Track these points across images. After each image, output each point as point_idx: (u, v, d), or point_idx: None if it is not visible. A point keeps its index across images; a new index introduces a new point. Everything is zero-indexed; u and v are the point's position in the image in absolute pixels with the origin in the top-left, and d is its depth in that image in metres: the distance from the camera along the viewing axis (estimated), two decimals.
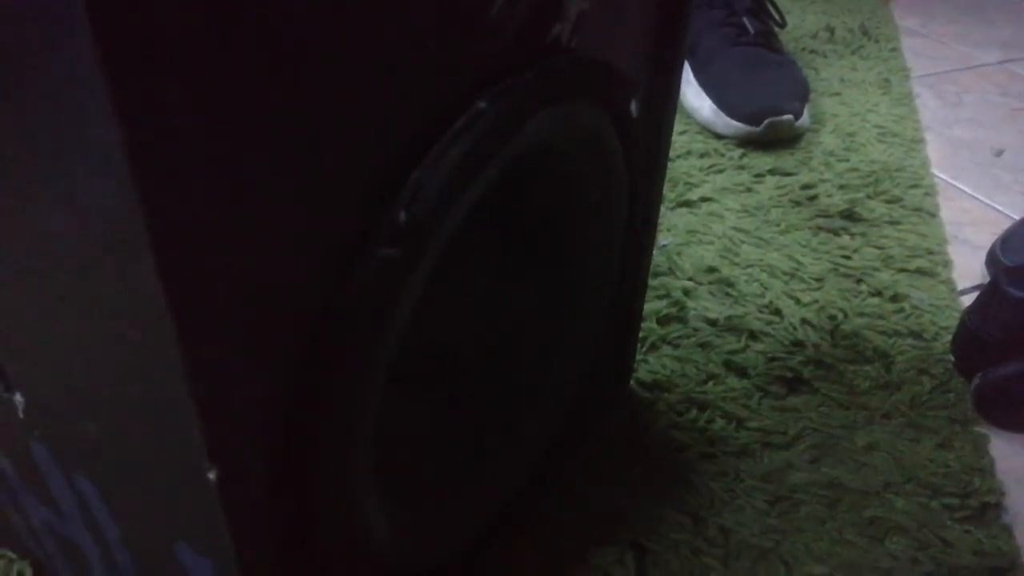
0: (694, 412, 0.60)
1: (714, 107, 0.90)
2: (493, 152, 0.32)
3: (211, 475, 0.28)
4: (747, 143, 0.90)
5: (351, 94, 0.27)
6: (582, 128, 0.40)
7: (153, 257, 0.24)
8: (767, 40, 0.97)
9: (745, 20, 0.94)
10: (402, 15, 0.28)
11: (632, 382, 0.62)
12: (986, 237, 0.82)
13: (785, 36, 1.09)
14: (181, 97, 0.22)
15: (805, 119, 0.91)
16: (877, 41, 1.18)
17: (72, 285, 0.27)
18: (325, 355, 0.30)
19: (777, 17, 1.01)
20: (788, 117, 0.87)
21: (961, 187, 0.91)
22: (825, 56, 1.13)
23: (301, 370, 0.30)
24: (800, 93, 0.92)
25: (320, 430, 0.31)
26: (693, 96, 0.94)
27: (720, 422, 0.60)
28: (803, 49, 1.14)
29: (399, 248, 0.30)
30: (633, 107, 0.45)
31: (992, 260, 0.74)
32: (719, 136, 0.92)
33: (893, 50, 1.17)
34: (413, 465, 0.42)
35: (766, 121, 0.87)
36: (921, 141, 0.96)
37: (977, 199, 0.89)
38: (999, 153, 0.98)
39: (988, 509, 0.56)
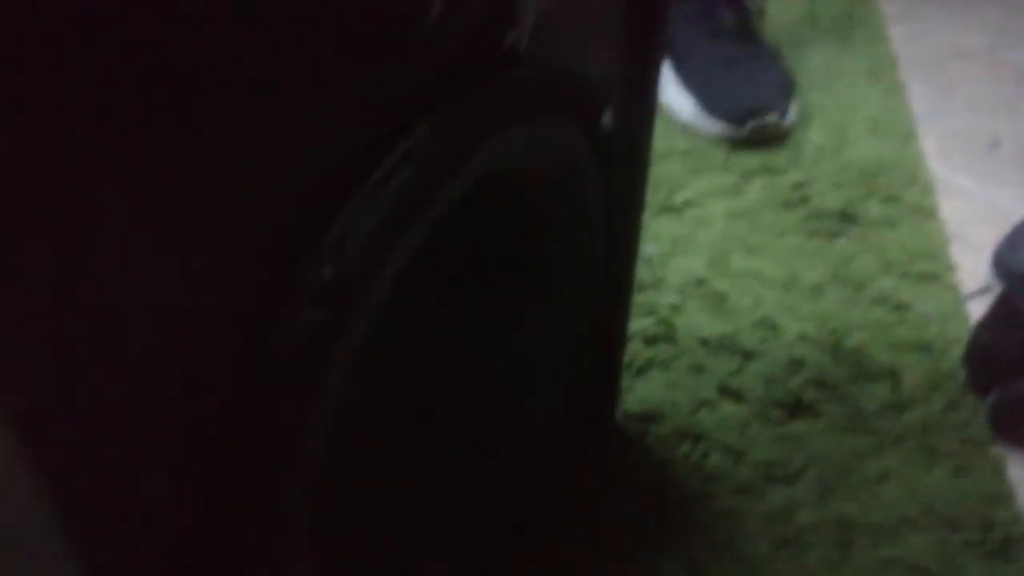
0: (688, 445, 0.54)
1: (696, 106, 0.84)
2: (436, 187, 0.26)
3: None
4: (726, 141, 0.84)
5: (252, 125, 0.21)
6: (546, 148, 0.34)
7: None
8: (746, 31, 0.91)
9: (721, 11, 0.89)
10: (315, 28, 0.22)
11: (620, 413, 0.57)
12: (989, 235, 0.76)
13: (765, 25, 1.03)
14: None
15: (791, 116, 0.85)
16: (863, 29, 1.13)
17: None
18: (245, 452, 0.24)
19: (755, 5, 0.95)
20: (774, 117, 0.82)
21: (959, 182, 0.85)
22: (810, 46, 1.07)
23: (215, 466, 0.24)
24: (785, 89, 0.86)
25: (244, 549, 0.25)
26: (674, 93, 0.88)
27: (717, 456, 0.54)
28: (785, 38, 1.09)
29: (326, 309, 0.24)
30: (606, 118, 0.39)
31: (1000, 264, 0.69)
32: (698, 135, 0.86)
33: (879, 38, 1.12)
34: (368, 539, 0.36)
35: (751, 123, 0.81)
36: (914, 134, 0.91)
37: (977, 194, 0.84)
38: (995, 144, 0.93)
39: (1012, 543, 0.51)
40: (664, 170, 0.81)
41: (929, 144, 0.91)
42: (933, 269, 0.70)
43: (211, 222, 0.21)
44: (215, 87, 0.20)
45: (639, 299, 0.66)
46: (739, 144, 0.85)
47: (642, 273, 0.69)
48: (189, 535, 0.24)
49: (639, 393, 0.58)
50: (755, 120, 0.82)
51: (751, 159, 0.83)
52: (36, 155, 0.17)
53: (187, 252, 0.21)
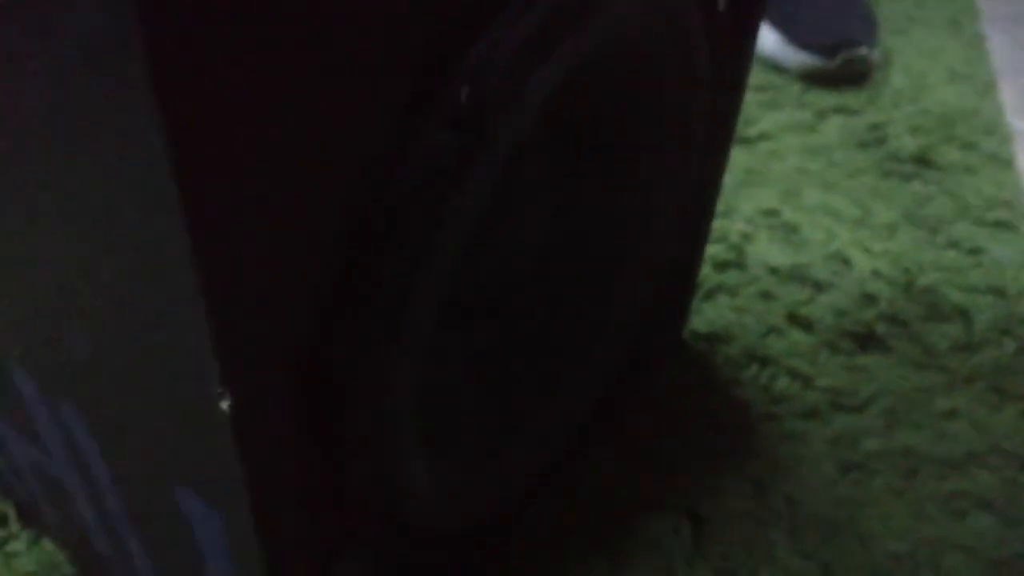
0: (755, 368, 0.54)
1: (779, 38, 0.82)
2: (575, 22, 0.26)
3: (224, 404, 0.22)
4: (810, 78, 0.82)
5: None
6: (667, 13, 0.33)
7: (156, 113, 0.17)
8: None
9: None
10: None
11: (687, 333, 0.56)
12: None
13: None
14: None
15: (876, 54, 0.83)
16: None
17: (53, 150, 0.20)
18: (370, 260, 0.24)
19: None
20: (865, 50, 0.79)
21: None
22: None
23: (339, 279, 0.24)
24: (872, 25, 0.84)
25: (360, 353, 0.25)
26: None
27: (784, 380, 0.53)
28: None
29: (461, 132, 0.24)
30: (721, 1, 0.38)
31: None
32: (779, 70, 0.84)
33: None
34: (456, 411, 0.36)
35: (842, 54, 0.78)
36: (994, 86, 0.89)
37: None
38: None
39: None
40: None
41: (1008, 96, 0.88)
42: (1009, 217, 0.69)
43: (361, 41, 0.21)
44: None
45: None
46: (816, 81, 0.83)
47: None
48: (313, 343, 0.24)
49: (707, 315, 0.57)
50: (846, 52, 0.79)
51: (827, 98, 0.81)
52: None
53: (342, 70, 0.21)
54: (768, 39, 0.83)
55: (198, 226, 0.18)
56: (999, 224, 0.68)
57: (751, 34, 0.42)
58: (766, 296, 0.59)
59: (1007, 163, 0.77)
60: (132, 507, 0.33)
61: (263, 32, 0.19)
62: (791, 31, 0.81)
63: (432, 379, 0.32)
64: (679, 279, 0.51)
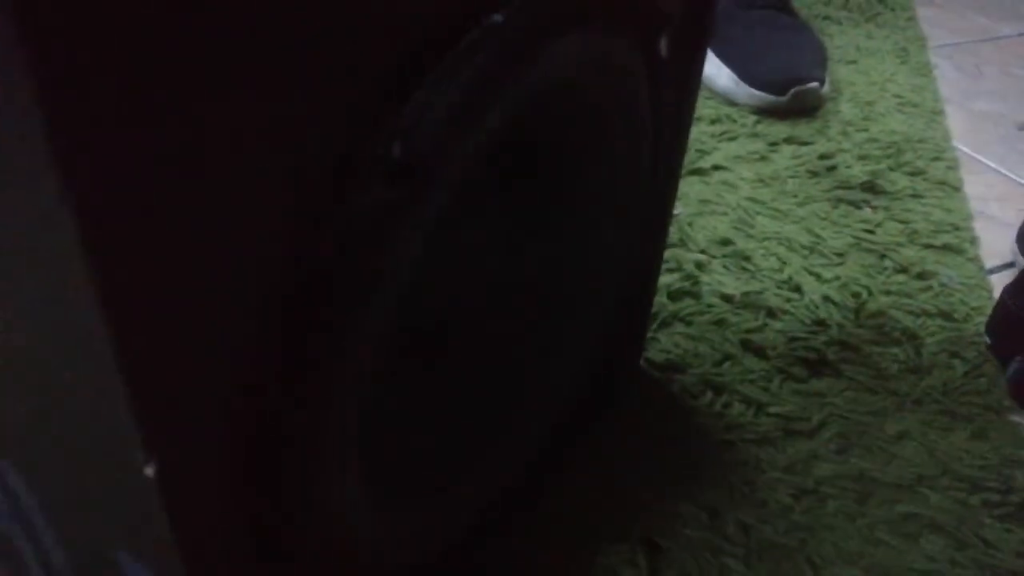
0: (710, 395, 0.55)
1: (733, 76, 0.84)
2: (511, 75, 0.26)
3: (148, 471, 0.22)
4: (763, 112, 0.84)
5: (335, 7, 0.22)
6: (609, 61, 0.34)
7: (59, 182, 0.17)
8: (782, 3, 0.91)
9: None
10: None
11: (642, 362, 0.57)
12: (1013, 213, 0.77)
13: (797, 2, 1.03)
14: None
15: (827, 87, 0.86)
16: (893, 10, 1.13)
17: None
18: (301, 320, 0.25)
19: None
20: (814, 85, 0.82)
21: (985, 161, 0.85)
22: (839, 23, 1.07)
23: (270, 338, 0.24)
24: (821, 59, 0.87)
25: (295, 413, 0.25)
26: (709, 64, 0.88)
27: (738, 407, 0.54)
28: (816, 16, 1.08)
29: (394, 190, 0.24)
30: (663, 46, 0.39)
31: None
32: (732, 103, 0.86)
33: (909, 19, 1.11)
34: (404, 449, 0.37)
35: (792, 90, 0.81)
36: (941, 113, 0.91)
37: (1002, 173, 0.84)
38: (1023, 127, 0.93)
39: None
40: (693, 134, 0.81)
41: (956, 123, 0.91)
42: (956, 241, 0.71)
43: (295, 98, 0.22)
44: None
45: (665, 256, 0.66)
46: (768, 113, 0.85)
47: (669, 232, 0.69)
48: (245, 401, 0.24)
49: (663, 344, 0.58)
50: (796, 88, 0.82)
51: (779, 129, 0.83)
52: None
53: (278, 124, 0.21)
54: (722, 77, 0.85)
55: (110, 299, 0.18)
56: (947, 248, 0.70)
57: (694, 75, 0.44)
58: (720, 324, 0.60)
59: (955, 188, 0.79)
60: (77, 565, 0.33)
61: (185, 90, 0.19)
62: (744, 70, 0.84)
63: (380, 418, 0.32)
64: (634, 309, 0.52)
